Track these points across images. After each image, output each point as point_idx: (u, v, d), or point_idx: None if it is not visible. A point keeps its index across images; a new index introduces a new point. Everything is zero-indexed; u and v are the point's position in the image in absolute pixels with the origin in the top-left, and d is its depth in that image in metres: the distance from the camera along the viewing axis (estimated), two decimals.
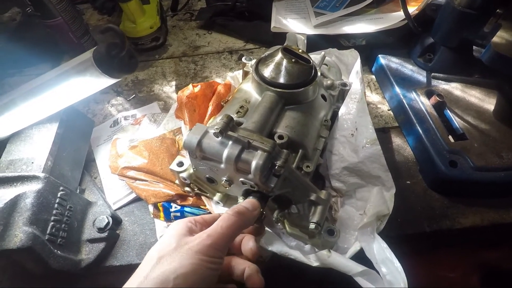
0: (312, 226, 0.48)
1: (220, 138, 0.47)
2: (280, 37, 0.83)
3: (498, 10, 0.62)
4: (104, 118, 0.83)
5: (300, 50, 0.59)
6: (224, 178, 0.50)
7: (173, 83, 0.90)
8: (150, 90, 0.89)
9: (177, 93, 0.87)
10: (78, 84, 0.48)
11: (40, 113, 0.56)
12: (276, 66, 0.56)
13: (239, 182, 0.49)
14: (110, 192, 0.69)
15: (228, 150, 0.46)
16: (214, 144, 0.48)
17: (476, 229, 0.59)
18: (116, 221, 0.65)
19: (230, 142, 0.47)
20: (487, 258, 0.84)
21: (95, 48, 0.45)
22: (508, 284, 0.92)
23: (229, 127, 0.47)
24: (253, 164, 0.45)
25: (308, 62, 0.58)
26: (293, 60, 0.56)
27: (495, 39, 0.57)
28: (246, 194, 0.50)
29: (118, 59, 0.45)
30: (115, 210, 0.67)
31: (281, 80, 0.56)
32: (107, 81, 0.48)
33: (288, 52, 0.57)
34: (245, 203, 0.44)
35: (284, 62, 0.56)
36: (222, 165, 0.48)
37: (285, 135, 0.52)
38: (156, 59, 0.96)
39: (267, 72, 0.57)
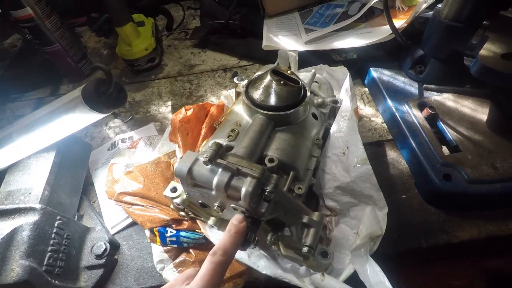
0: (304, 249, 0.48)
1: (209, 166, 0.48)
2: (272, 54, 0.84)
3: (484, 22, 0.62)
4: (102, 141, 0.85)
5: (289, 71, 0.60)
6: (216, 204, 0.51)
7: (169, 103, 0.91)
8: (147, 111, 0.90)
9: (172, 113, 0.88)
10: (69, 120, 0.49)
11: (35, 147, 0.57)
12: (265, 89, 0.57)
13: (231, 208, 0.49)
14: (109, 216, 0.70)
15: (218, 178, 0.47)
16: (204, 172, 0.48)
17: (474, 242, 0.59)
18: (114, 246, 0.65)
19: (220, 170, 0.47)
20: (492, 265, 0.83)
21: (83, 86, 0.46)
22: None
23: (218, 155, 0.47)
24: (243, 190, 0.45)
25: (297, 83, 0.58)
26: (282, 82, 0.57)
27: (483, 51, 0.57)
28: None
29: (106, 96, 0.46)
30: (114, 234, 0.68)
31: (271, 102, 0.56)
32: (97, 116, 0.49)
33: (277, 74, 0.58)
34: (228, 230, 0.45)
35: (273, 84, 0.57)
36: (213, 192, 0.48)
37: (276, 158, 0.52)
38: (152, 80, 0.98)
39: (257, 94, 0.58)
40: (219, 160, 0.47)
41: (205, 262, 0.41)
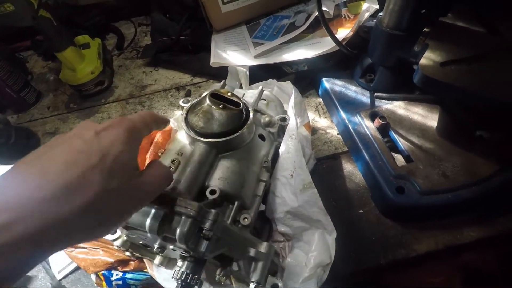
0: (251, 286, 0.46)
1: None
2: (224, 69, 0.82)
3: (425, 29, 0.61)
4: None
5: (229, 93, 0.57)
6: (156, 246, 0.47)
7: None
8: None
9: None
10: None
11: None
12: (204, 114, 0.54)
13: (171, 249, 0.46)
14: (55, 259, 0.65)
15: (150, 221, 0.43)
16: (136, 215, 0.44)
17: (431, 254, 0.57)
18: None
19: (153, 211, 0.44)
20: (467, 260, 0.83)
21: None
22: (489, 284, 0.92)
23: None
24: (177, 231, 0.42)
25: (238, 106, 0.55)
26: (221, 106, 0.54)
27: (423, 61, 0.56)
28: (182, 258, 0.47)
29: (8, 146, 0.41)
30: (60, 279, 0.63)
31: (211, 129, 0.53)
32: (4, 168, 0.45)
33: (216, 98, 0.55)
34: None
35: (212, 109, 0.54)
36: (149, 235, 0.45)
37: (218, 189, 0.49)
38: (102, 104, 0.93)
39: (196, 121, 0.54)
40: None
41: None
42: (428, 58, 0.56)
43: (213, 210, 0.45)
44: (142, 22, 1.17)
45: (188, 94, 0.91)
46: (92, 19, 1.09)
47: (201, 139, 0.53)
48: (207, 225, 0.43)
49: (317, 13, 0.78)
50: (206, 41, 0.93)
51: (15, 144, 0.42)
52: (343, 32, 0.74)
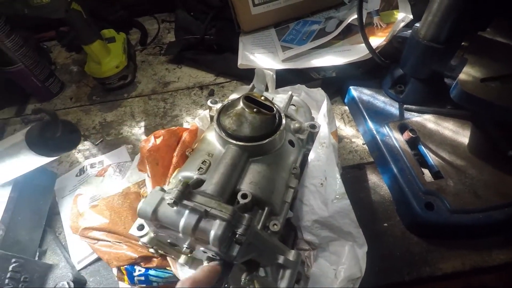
0: None
1: (176, 207, 0.44)
2: (250, 71, 0.81)
3: (463, 43, 0.60)
4: (70, 166, 0.79)
5: (262, 98, 0.56)
6: (185, 246, 0.47)
7: (142, 123, 0.86)
8: (119, 132, 0.85)
9: (146, 135, 0.84)
10: (13, 165, 0.44)
11: None
12: (237, 117, 0.53)
13: (200, 251, 0.45)
14: (75, 249, 0.65)
15: (185, 220, 0.43)
16: (170, 213, 0.44)
17: (458, 274, 0.56)
18: (80, 283, 0.61)
19: (187, 212, 0.44)
20: (480, 280, 0.82)
21: (28, 129, 0.42)
22: None
23: (184, 195, 0.44)
24: (211, 234, 0.42)
25: (272, 110, 0.55)
26: (255, 110, 0.53)
27: (462, 76, 0.55)
28: (209, 260, 0.47)
29: (54, 139, 0.41)
30: (80, 270, 0.63)
31: (244, 132, 0.53)
32: (45, 160, 0.45)
33: (250, 101, 0.55)
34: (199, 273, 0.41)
35: (246, 112, 0.53)
36: (180, 235, 0.45)
37: (249, 193, 0.49)
38: (125, 98, 0.93)
39: (229, 123, 0.54)
40: (185, 202, 0.43)
41: None
42: (468, 73, 0.55)
43: (246, 215, 0.45)
44: (166, 19, 1.18)
45: (211, 93, 0.90)
46: (116, 13, 1.09)
47: (234, 141, 0.52)
48: (240, 230, 0.43)
49: (348, 20, 0.77)
50: (232, 41, 0.92)
51: (60, 138, 0.42)
52: (375, 40, 0.74)
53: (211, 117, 0.67)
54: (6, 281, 0.51)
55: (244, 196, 0.49)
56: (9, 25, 0.77)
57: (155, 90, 0.94)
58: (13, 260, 0.53)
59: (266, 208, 0.50)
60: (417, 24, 0.65)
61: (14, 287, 0.52)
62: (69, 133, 0.44)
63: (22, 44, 0.81)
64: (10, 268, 0.53)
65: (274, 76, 0.76)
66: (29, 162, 0.44)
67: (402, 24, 0.72)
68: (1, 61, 0.81)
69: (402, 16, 0.73)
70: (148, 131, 0.84)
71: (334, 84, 0.82)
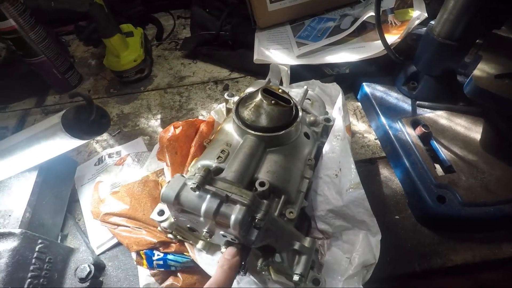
0: (295, 277, 0.47)
1: (198, 192, 0.46)
2: (264, 66, 0.83)
3: (478, 41, 0.61)
4: (88, 156, 0.82)
5: (280, 90, 0.58)
6: (205, 230, 0.49)
7: (159, 116, 0.89)
8: (135, 124, 0.88)
9: (162, 127, 0.86)
10: (48, 147, 0.47)
11: (12, 171, 0.54)
12: (256, 109, 0.55)
13: (220, 234, 0.47)
14: (94, 235, 0.68)
15: (206, 205, 0.45)
16: (192, 198, 0.46)
17: (468, 266, 0.58)
18: (99, 267, 0.63)
19: (208, 196, 0.46)
20: (488, 279, 0.82)
21: (64, 112, 0.44)
22: None
23: (206, 181, 0.46)
24: (232, 218, 0.44)
25: (289, 103, 0.57)
26: (273, 101, 0.55)
27: (476, 72, 0.56)
28: (228, 245, 0.49)
29: (87, 123, 0.44)
30: (99, 254, 0.66)
31: (262, 123, 0.55)
32: (78, 142, 0.47)
33: (268, 93, 0.56)
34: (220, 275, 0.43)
35: (264, 104, 0.55)
36: (201, 219, 0.47)
37: (267, 181, 0.51)
38: (142, 91, 0.96)
39: (247, 114, 0.56)
40: (207, 187, 0.45)
41: None
42: (482, 70, 0.56)
43: (265, 201, 0.47)
44: (181, 15, 1.20)
45: (226, 88, 0.92)
46: (134, 9, 1.12)
47: (252, 132, 0.54)
48: (259, 215, 0.45)
49: (364, 18, 0.79)
50: (247, 38, 0.94)
51: (93, 121, 0.45)
52: (389, 38, 0.75)
53: (228, 110, 0.69)
54: (33, 260, 0.54)
55: (262, 184, 0.51)
56: (34, 18, 0.80)
57: (171, 84, 0.96)
58: (39, 241, 0.56)
59: (283, 196, 0.52)
60: (432, 22, 0.66)
61: (40, 267, 0.55)
62: (100, 118, 0.47)
63: (45, 36, 0.83)
64: (37, 249, 0.55)
65: (289, 71, 0.77)
66: (63, 144, 0.47)
67: (417, 22, 0.74)
68: (25, 52, 0.84)
69: (417, 14, 0.74)
70: (164, 124, 0.86)
71: (347, 81, 0.84)
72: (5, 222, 0.57)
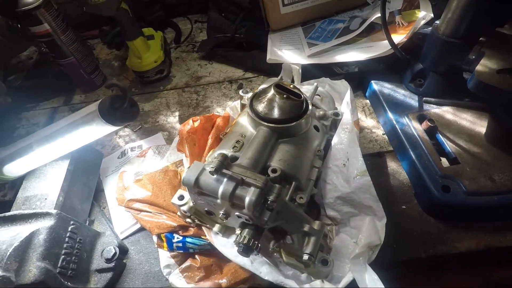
0: (305, 257, 0.50)
1: (215, 175, 0.50)
2: (277, 66, 0.88)
3: (481, 39, 0.64)
4: (112, 149, 0.88)
5: (291, 86, 0.62)
6: (221, 212, 0.53)
7: (177, 113, 0.94)
8: (155, 121, 0.93)
9: (180, 123, 0.91)
10: (86, 132, 0.52)
11: (53, 156, 0.60)
12: (269, 102, 0.60)
13: (235, 216, 0.52)
14: (118, 221, 0.73)
15: (223, 187, 0.50)
16: (210, 181, 0.51)
17: (473, 253, 0.60)
18: (123, 250, 0.68)
19: (225, 179, 0.50)
20: (496, 277, 0.83)
21: (100, 100, 0.50)
22: None
23: (224, 165, 0.50)
24: (247, 199, 0.48)
25: (299, 97, 0.61)
26: (284, 96, 0.60)
27: (479, 67, 0.59)
28: (242, 226, 0.53)
29: (120, 111, 0.49)
30: (122, 239, 0.71)
31: (274, 115, 0.59)
32: (111, 128, 0.53)
33: (280, 88, 0.61)
34: None
35: (276, 98, 0.59)
36: (218, 201, 0.51)
37: (278, 168, 0.55)
38: (161, 90, 1.02)
39: (261, 107, 0.60)
40: (224, 171, 0.50)
41: None
42: (484, 65, 0.59)
43: (277, 185, 0.51)
44: (198, 19, 1.26)
45: (240, 87, 0.97)
46: (154, 14, 1.19)
47: (265, 123, 0.59)
48: (271, 197, 0.49)
49: (372, 19, 0.82)
50: (260, 39, 0.99)
51: (125, 110, 0.50)
52: (396, 38, 0.78)
53: (242, 106, 0.74)
54: (67, 239, 0.59)
55: (274, 170, 0.55)
56: (65, 22, 0.87)
57: (188, 84, 1.02)
58: (72, 222, 0.62)
59: (293, 183, 0.56)
60: (437, 22, 0.70)
61: (72, 246, 0.60)
62: (131, 107, 0.52)
63: (75, 39, 0.91)
64: (69, 229, 0.61)
65: (300, 70, 0.82)
66: (100, 130, 0.52)
67: (423, 22, 0.77)
68: (56, 54, 0.91)
69: (423, 14, 0.78)
70: (182, 120, 0.92)
71: (356, 79, 0.87)
72: (41, 205, 0.63)
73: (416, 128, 0.70)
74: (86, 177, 0.74)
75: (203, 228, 0.62)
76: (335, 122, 0.68)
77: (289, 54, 0.88)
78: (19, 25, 0.92)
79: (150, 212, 0.66)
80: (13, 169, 0.64)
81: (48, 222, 0.57)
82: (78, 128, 0.52)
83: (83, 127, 0.52)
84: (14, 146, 0.59)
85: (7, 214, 0.57)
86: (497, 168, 0.62)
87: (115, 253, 0.64)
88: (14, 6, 0.79)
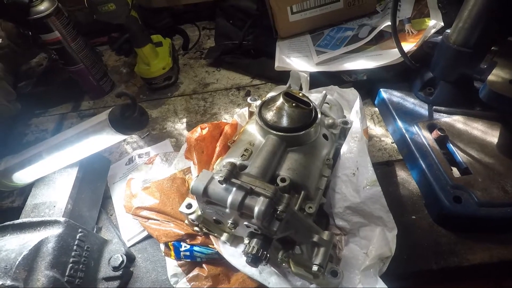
0: (314, 268, 0.50)
1: (224, 185, 0.50)
2: (285, 74, 0.88)
3: (493, 48, 0.63)
4: (120, 156, 0.88)
5: (300, 94, 0.62)
6: (230, 221, 0.53)
7: (184, 120, 0.94)
8: (163, 127, 0.94)
9: (187, 130, 0.92)
10: (95, 141, 0.53)
11: (62, 164, 0.61)
12: (278, 111, 0.60)
13: (244, 225, 0.51)
14: (125, 229, 0.73)
15: (232, 197, 0.49)
16: (219, 190, 0.51)
17: (485, 266, 0.59)
18: (130, 258, 0.68)
19: (234, 189, 0.50)
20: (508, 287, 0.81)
21: (111, 110, 0.50)
22: None
23: (233, 174, 0.50)
24: (256, 209, 0.48)
25: (308, 106, 0.61)
26: (293, 104, 0.59)
27: (491, 77, 0.58)
28: (251, 236, 0.52)
29: (130, 119, 0.49)
30: (130, 247, 0.70)
31: (283, 124, 0.59)
32: (122, 137, 0.53)
33: (289, 97, 0.61)
34: None
35: (285, 106, 0.59)
36: (227, 210, 0.51)
37: (287, 177, 0.54)
38: (169, 97, 1.02)
39: (270, 116, 0.60)
40: (233, 180, 0.50)
41: None
42: (497, 75, 0.58)
43: (286, 195, 0.50)
44: (206, 26, 1.27)
45: (248, 94, 0.97)
46: (162, 21, 1.20)
47: (274, 132, 0.58)
48: (281, 207, 0.48)
49: (381, 27, 0.82)
50: (268, 47, 1.00)
51: (134, 119, 0.50)
52: (406, 46, 0.78)
53: (250, 113, 0.74)
54: (75, 247, 0.59)
55: (283, 180, 0.54)
56: (75, 30, 0.88)
57: (196, 90, 1.02)
58: (80, 230, 0.62)
59: (302, 192, 0.55)
60: (448, 30, 0.69)
61: (80, 254, 0.60)
62: (140, 115, 0.52)
63: (84, 46, 0.92)
64: (78, 237, 0.61)
65: (308, 78, 0.82)
66: (109, 138, 0.53)
67: (433, 31, 0.76)
68: (66, 61, 0.92)
69: (433, 23, 0.77)
70: (189, 127, 0.92)
71: (365, 87, 0.87)
72: (50, 212, 0.63)
73: (426, 137, 0.69)
74: (94, 184, 0.74)
75: (210, 237, 0.62)
76: (344, 130, 0.68)
77: (297, 62, 0.88)
78: (30, 33, 0.94)
79: (158, 220, 0.66)
80: (22, 177, 0.64)
81: (57, 230, 0.57)
82: (88, 137, 0.53)
83: (93, 136, 0.52)
84: (24, 154, 0.60)
85: (16, 222, 0.57)
86: (510, 179, 0.61)
87: (122, 261, 0.64)
88: (26, 14, 0.81)
